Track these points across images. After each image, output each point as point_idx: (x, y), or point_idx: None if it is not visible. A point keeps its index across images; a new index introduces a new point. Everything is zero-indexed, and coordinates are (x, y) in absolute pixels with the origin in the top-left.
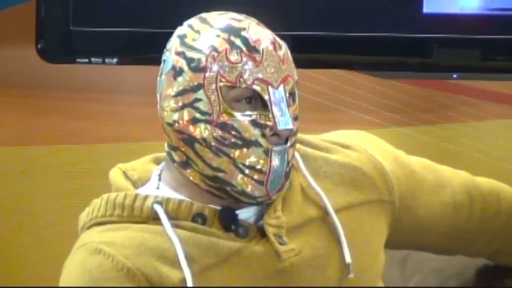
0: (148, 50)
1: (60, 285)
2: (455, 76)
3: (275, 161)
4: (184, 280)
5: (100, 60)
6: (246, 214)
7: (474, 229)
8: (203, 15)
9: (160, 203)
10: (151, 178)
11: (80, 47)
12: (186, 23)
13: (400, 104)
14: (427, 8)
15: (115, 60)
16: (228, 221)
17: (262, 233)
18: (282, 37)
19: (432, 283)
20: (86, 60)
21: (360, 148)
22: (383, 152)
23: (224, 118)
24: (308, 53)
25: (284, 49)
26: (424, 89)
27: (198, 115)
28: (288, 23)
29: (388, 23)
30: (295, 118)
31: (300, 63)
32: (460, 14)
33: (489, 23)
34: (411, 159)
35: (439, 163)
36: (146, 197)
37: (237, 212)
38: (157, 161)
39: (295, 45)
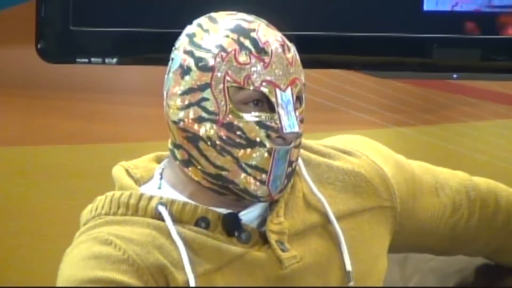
0: (148, 50)
1: (60, 273)
2: (455, 76)
3: (277, 161)
4: (187, 282)
5: (100, 60)
6: (249, 217)
7: (473, 229)
8: (213, 14)
9: (164, 204)
10: (154, 177)
11: (80, 47)
12: (195, 22)
13: (400, 104)
14: (427, 6)
15: (115, 60)
16: (231, 226)
17: (264, 239)
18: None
19: (432, 283)
20: (86, 60)
21: (362, 154)
22: (384, 158)
23: (230, 118)
24: (308, 53)
25: (292, 52)
26: (424, 89)
27: (204, 114)
28: (288, 23)
29: (388, 22)
30: (301, 121)
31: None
32: (460, 11)
33: (490, 22)
34: (411, 163)
35: (439, 163)
36: (151, 197)
37: (240, 213)
38: (159, 160)
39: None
